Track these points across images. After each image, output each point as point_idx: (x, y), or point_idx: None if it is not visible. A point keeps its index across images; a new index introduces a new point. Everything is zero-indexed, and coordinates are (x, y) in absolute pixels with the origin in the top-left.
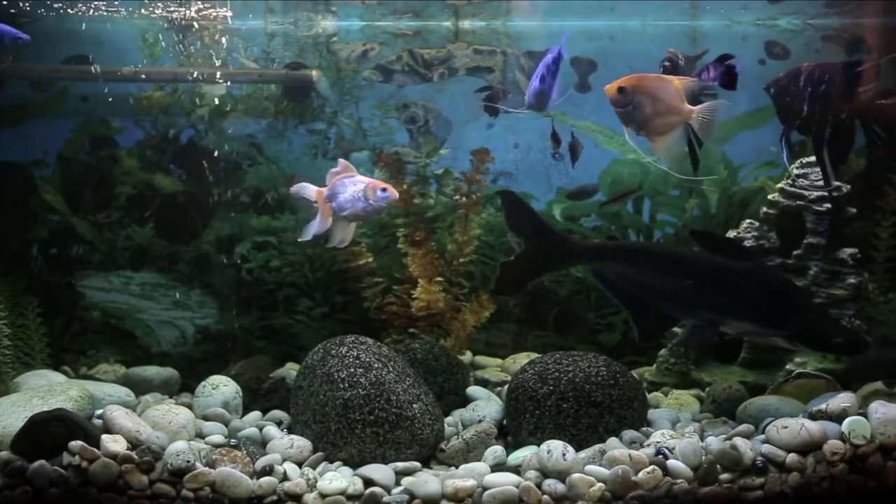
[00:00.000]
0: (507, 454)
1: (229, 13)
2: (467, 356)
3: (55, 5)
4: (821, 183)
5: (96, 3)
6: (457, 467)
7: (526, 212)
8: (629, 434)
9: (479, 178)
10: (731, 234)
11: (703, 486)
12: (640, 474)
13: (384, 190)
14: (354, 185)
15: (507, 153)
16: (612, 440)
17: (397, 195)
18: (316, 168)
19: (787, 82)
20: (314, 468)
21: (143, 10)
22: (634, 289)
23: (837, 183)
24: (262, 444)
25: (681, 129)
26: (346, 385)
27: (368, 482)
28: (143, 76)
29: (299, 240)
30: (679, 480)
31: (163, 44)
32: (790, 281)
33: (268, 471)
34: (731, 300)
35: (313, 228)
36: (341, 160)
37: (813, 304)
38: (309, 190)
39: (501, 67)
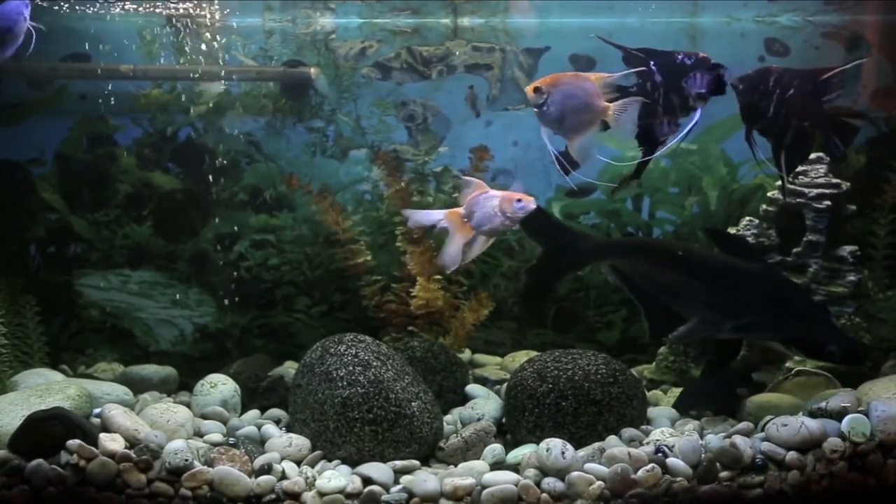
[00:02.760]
0: (506, 452)
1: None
2: (466, 354)
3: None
4: (821, 181)
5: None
6: (456, 466)
7: (541, 216)
8: (628, 432)
9: (478, 175)
10: (731, 231)
11: (703, 485)
12: (640, 472)
13: (519, 200)
14: (490, 201)
15: (506, 151)
16: (612, 438)
17: (534, 203)
18: (315, 166)
19: (756, 81)
20: (313, 467)
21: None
22: (648, 285)
23: (837, 181)
24: (261, 442)
25: (597, 126)
26: (345, 383)
27: (367, 481)
28: (141, 74)
29: (448, 271)
30: (678, 479)
31: (164, 40)
32: (793, 284)
33: (266, 469)
34: (735, 301)
35: (454, 251)
36: (472, 178)
37: (815, 309)
38: (433, 215)
39: (500, 65)
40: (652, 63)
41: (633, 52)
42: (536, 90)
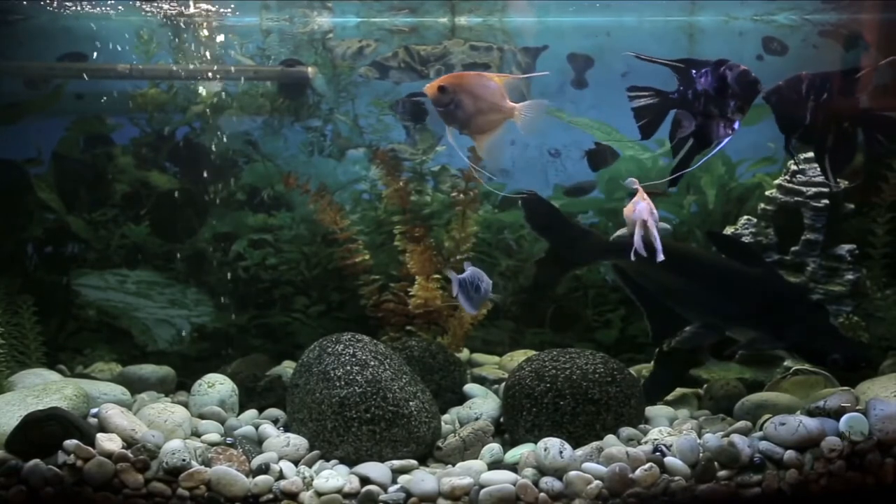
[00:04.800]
0: (504, 452)
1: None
2: (464, 354)
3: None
4: (818, 179)
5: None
6: (453, 465)
7: (548, 212)
8: (626, 431)
9: (476, 174)
10: (729, 230)
11: (701, 484)
12: (638, 472)
13: None
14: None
15: (504, 150)
16: (610, 437)
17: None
18: (312, 165)
19: (787, 91)
20: (310, 466)
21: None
22: (651, 287)
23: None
24: (259, 442)
25: (503, 128)
26: (343, 383)
27: (365, 480)
28: (138, 73)
29: (634, 256)
30: (676, 478)
31: (161, 39)
32: (797, 289)
33: (264, 469)
34: (739, 306)
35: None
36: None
37: (817, 314)
38: (646, 210)
39: (498, 64)
40: (693, 72)
41: (673, 65)
42: (441, 89)
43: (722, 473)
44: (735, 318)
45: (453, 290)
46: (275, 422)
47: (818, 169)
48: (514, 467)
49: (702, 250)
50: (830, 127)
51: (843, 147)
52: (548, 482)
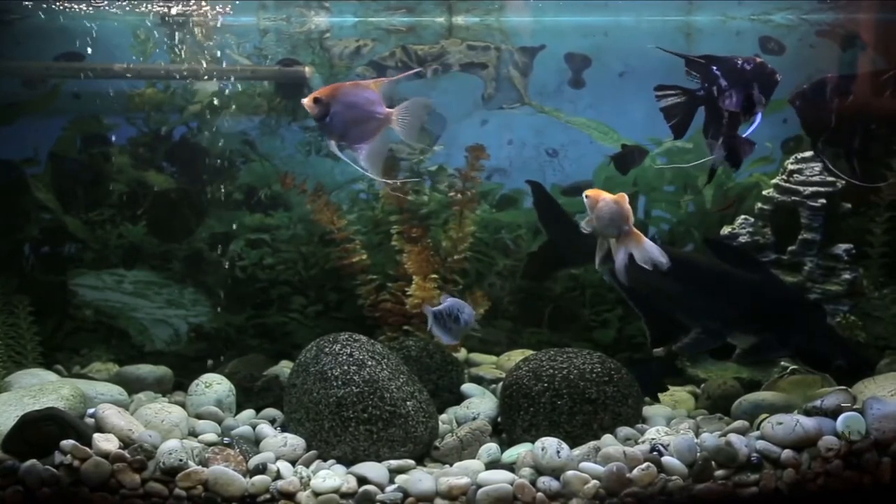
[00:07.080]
0: (502, 452)
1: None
2: (462, 353)
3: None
4: (816, 179)
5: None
6: (451, 465)
7: (552, 206)
8: (624, 431)
9: (473, 174)
10: (726, 229)
11: (698, 483)
12: (635, 471)
13: None
14: None
15: (502, 150)
16: (607, 437)
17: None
18: (309, 165)
19: (812, 95)
20: (308, 466)
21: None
22: (649, 291)
23: (832, 179)
24: (256, 442)
25: (383, 134)
26: (340, 383)
27: (362, 480)
28: (135, 73)
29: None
30: (674, 477)
31: (159, 37)
32: (799, 295)
33: (261, 469)
34: (740, 313)
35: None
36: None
37: (821, 319)
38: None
39: (495, 63)
40: (715, 68)
41: (694, 60)
42: (316, 101)
43: (719, 473)
44: (735, 324)
45: (428, 324)
46: (272, 422)
47: (815, 169)
48: (511, 467)
49: (700, 256)
50: (858, 129)
51: (867, 148)
52: (545, 482)
